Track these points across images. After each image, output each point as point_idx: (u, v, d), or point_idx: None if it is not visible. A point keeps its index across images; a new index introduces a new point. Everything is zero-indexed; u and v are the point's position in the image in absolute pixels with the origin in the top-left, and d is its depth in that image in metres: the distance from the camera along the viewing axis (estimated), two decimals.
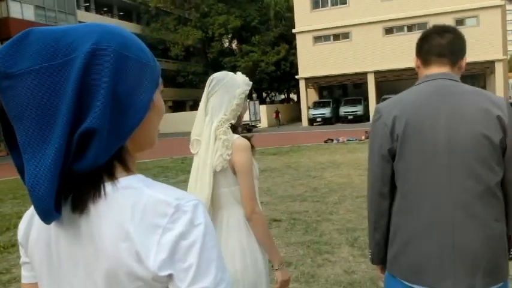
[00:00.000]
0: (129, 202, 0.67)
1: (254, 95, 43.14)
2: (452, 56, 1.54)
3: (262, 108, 32.47)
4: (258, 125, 29.50)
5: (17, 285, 4.11)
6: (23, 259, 0.82)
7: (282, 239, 4.92)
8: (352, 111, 29.28)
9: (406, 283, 1.49)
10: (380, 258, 1.62)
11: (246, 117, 27.90)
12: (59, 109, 0.63)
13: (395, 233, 1.53)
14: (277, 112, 34.19)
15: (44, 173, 0.62)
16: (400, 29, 27.99)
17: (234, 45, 43.17)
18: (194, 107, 44.18)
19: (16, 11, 26.35)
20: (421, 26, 27.18)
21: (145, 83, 0.72)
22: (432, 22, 27.88)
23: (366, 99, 29.25)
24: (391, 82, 29.59)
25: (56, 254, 0.72)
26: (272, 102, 47.85)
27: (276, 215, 5.97)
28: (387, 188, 1.53)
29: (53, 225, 0.69)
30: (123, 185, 0.69)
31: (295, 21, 30.90)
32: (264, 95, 47.15)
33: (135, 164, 0.75)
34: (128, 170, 0.72)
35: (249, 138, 1.89)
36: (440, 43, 1.54)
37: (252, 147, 1.87)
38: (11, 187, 10.61)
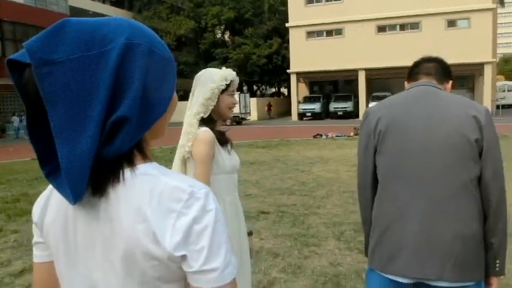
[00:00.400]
0: (146, 187, 0.72)
1: (245, 88, 43.08)
2: (438, 75, 1.69)
3: (253, 101, 32.48)
4: (247, 118, 29.54)
5: (5, 270, 4.12)
6: (36, 239, 0.85)
7: (269, 230, 5.00)
8: (342, 108, 29.46)
9: (382, 274, 1.55)
10: None
11: (236, 110, 27.86)
12: (95, 97, 0.67)
13: (374, 225, 1.61)
14: (269, 105, 34.36)
15: (80, 157, 0.66)
16: (392, 27, 28.16)
17: (226, 37, 42.94)
18: (184, 97, 43.78)
19: None
20: (413, 25, 27.42)
21: (169, 77, 0.78)
22: (425, 22, 28.10)
23: (356, 96, 29.44)
24: (382, 80, 29.82)
25: (73, 235, 0.76)
26: (263, 95, 47.84)
27: (264, 208, 6.04)
28: (370, 181, 1.63)
29: (71, 207, 0.73)
30: (141, 171, 0.73)
31: (289, 15, 30.86)
32: (255, 88, 47.12)
33: (150, 151, 0.79)
34: (145, 158, 0.76)
35: (222, 132, 2.04)
36: (428, 66, 1.71)
37: (226, 141, 2.03)
38: None
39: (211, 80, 1.99)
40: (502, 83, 36.04)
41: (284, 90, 48.71)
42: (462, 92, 29.53)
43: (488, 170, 1.47)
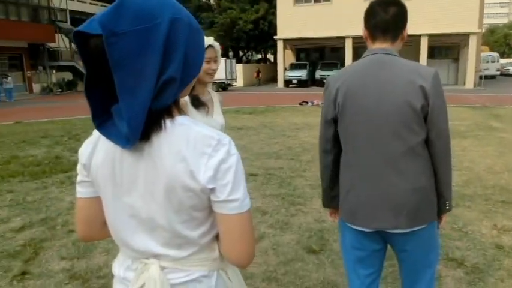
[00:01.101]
0: (184, 135, 0.90)
1: (231, 54, 42.54)
2: (396, 31, 1.75)
3: (239, 67, 32.26)
4: (233, 84, 29.43)
5: (5, 226, 4.31)
6: (81, 178, 1.02)
7: (258, 191, 5.27)
8: (328, 75, 29.45)
9: (348, 224, 1.83)
10: (327, 202, 1.98)
11: (222, 76, 27.72)
12: (150, 61, 0.84)
13: (341, 186, 1.84)
14: (258, 72, 34.22)
15: (138, 107, 0.83)
16: None
17: (212, 1, 41.95)
18: None
19: None
20: None
21: (201, 45, 0.97)
22: None
23: (343, 63, 29.42)
24: None
25: (119, 173, 0.94)
26: (248, 61, 47.40)
27: (253, 170, 6.29)
28: (329, 146, 1.84)
29: (118, 150, 0.91)
30: (178, 122, 0.91)
31: None
32: (241, 54, 46.58)
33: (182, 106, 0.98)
34: (180, 111, 0.95)
35: (196, 97, 2.18)
36: (386, 19, 1.72)
37: (200, 104, 2.17)
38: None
39: None
40: (486, 53, 36.44)
41: (270, 56, 48.33)
42: (446, 62, 29.88)
43: (432, 132, 1.67)
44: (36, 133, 10.65)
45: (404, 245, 1.81)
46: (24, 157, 7.73)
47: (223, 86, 28.12)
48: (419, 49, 26.17)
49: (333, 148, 1.84)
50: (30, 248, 3.71)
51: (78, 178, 1.03)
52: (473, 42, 26.18)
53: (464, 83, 27.27)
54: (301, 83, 30.13)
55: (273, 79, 34.08)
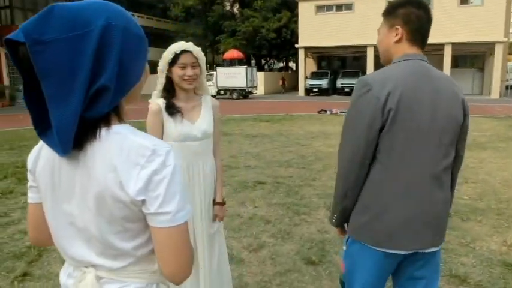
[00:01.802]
0: (117, 144, 0.89)
1: (253, 62, 42.75)
2: (427, 39, 1.68)
3: (260, 75, 32.35)
4: (254, 92, 29.51)
5: (15, 228, 4.42)
6: (30, 183, 1.03)
7: (264, 199, 5.25)
8: (349, 84, 29.26)
9: (377, 249, 1.59)
10: (341, 221, 1.73)
11: (242, 83, 27.87)
12: (80, 69, 0.82)
13: (370, 202, 1.59)
14: (283, 79, 34.59)
15: (68, 117, 0.82)
16: None
17: (235, 9, 42.35)
18: None
19: None
20: (426, 1, 26.79)
21: (141, 52, 0.94)
22: None
23: (364, 72, 29.13)
24: None
25: (58, 181, 0.94)
26: (271, 69, 47.50)
27: (262, 178, 6.28)
28: (369, 159, 1.56)
29: (57, 157, 0.91)
30: (114, 130, 0.90)
31: None
32: (263, 62, 46.74)
33: (125, 114, 0.96)
34: (121, 120, 0.94)
35: (171, 104, 2.20)
36: (426, 28, 1.63)
37: (174, 112, 2.18)
38: (8, 138, 10.82)
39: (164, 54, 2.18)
40: None
41: (292, 64, 48.33)
42: (471, 72, 29.18)
43: (461, 151, 1.69)
44: None
45: (421, 267, 1.68)
46: None
47: (243, 94, 28.25)
48: (442, 58, 25.68)
49: (369, 161, 1.58)
50: (34, 250, 3.79)
51: (28, 183, 1.04)
52: (499, 51, 25.52)
53: (489, 93, 26.57)
54: (322, 92, 29.99)
55: (295, 87, 34.04)
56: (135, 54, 0.92)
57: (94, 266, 0.96)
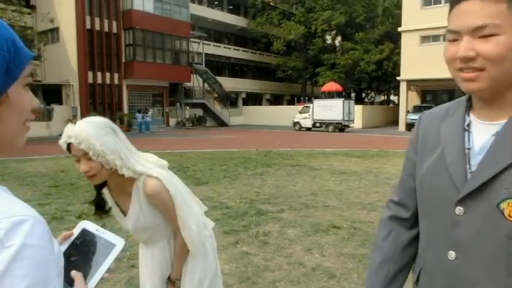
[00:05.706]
0: None
1: (353, 95, 41.90)
2: None
3: (358, 109, 31.36)
4: (351, 125, 28.60)
5: None
6: None
7: (334, 248, 4.70)
8: None
9: None
10: None
11: (339, 117, 27.25)
12: None
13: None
14: None
15: None
16: None
17: (336, 42, 42.25)
18: (291, 101, 44.26)
19: (138, 4, 29.50)
20: None
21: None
22: None
23: None
24: None
25: None
26: (371, 103, 46.00)
27: (338, 222, 5.73)
28: None
29: None
30: None
31: (403, 18, 29.12)
32: (363, 95, 45.54)
33: None
34: None
35: (99, 200, 1.91)
36: None
37: (101, 211, 1.93)
38: None
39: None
40: None
41: (394, 98, 46.28)
42: None
43: None
44: None
45: None
46: None
47: (339, 127, 27.56)
48: None
49: None
50: None
51: None
52: None
53: None
54: None
55: (395, 122, 32.34)
56: None
57: None
